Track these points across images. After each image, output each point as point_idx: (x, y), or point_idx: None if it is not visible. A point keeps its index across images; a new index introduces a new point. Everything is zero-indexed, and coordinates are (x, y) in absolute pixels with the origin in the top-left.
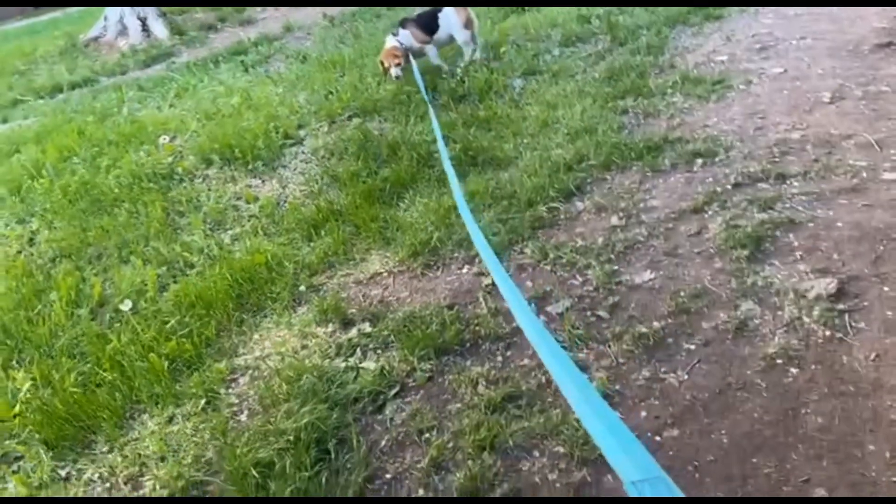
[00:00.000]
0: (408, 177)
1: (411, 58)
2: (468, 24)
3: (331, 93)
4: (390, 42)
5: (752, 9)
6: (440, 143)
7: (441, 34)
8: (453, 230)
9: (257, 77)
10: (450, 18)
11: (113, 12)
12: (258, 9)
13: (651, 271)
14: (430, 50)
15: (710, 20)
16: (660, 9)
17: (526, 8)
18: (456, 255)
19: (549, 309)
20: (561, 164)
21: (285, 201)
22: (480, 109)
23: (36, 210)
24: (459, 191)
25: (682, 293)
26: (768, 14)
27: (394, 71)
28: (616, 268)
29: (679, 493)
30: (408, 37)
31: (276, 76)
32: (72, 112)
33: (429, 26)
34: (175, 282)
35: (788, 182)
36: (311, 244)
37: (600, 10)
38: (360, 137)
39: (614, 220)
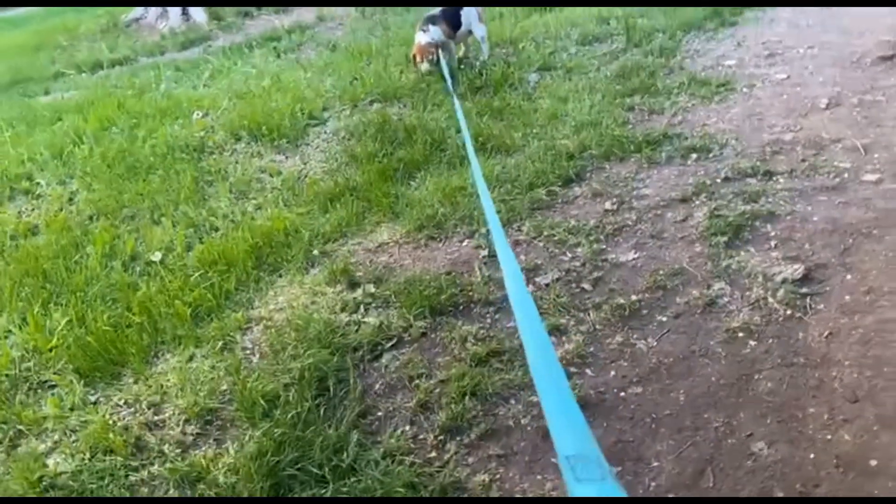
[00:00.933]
0: (421, 158)
1: (440, 53)
2: (482, 19)
3: (356, 79)
4: (423, 38)
5: (766, 17)
6: (465, 132)
7: (463, 29)
8: (458, 207)
9: (288, 62)
10: (470, 15)
11: None
12: None
13: (635, 251)
14: (451, 45)
15: (724, 26)
16: (678, 12)
17: (549, 8)
18: (458, 229)
19: (537, 279)
20: (564, 153)
21: (306, 176)
22: (495, 100)
23: (76, 173)
24: (479, 171)
25: (661, 272)
26: (781, 23)
27: (425, 65)
28: (603, 247)
29: (611, 473)
30: (438, 32)
31: (306, 62)
32: (112, 87)
33: (453, 22)
34: (201, 242)
35: (775, 179)
36: (327, 215)
37: (619, 12)
38: (379, 121)
39: (607, 205)
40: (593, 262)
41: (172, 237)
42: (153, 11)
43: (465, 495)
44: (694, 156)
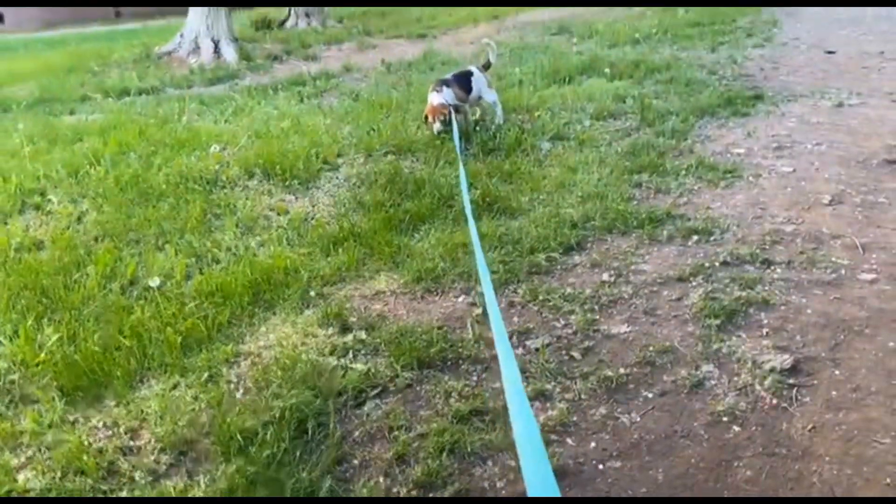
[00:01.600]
0: (427, 212)
1: (453, 114)
2: (491, 86)
3: (373, 129)
4: (437, 98)
5: (778, 111)
6: (464, 191)
7: (473, 95)
8: (457, 263)
9: (310, 107)
10: (479, 81)
11: (189, 31)
12: (322, 46)
13: (628, 325)
14: (465, 108)
15: (736, 115)
16: (693, 98)
17: (568, 81)
18: (456, 285)
19: (528, 343)
20: (567, 221)
21: (312, 218)
22: (506, 163)
23: (88, 193)
24: (475, 229)
25: (651, 348)
26: (792, 118)
27: (437, 126)
28: (597, 317)
29: None
30: (451, 95)
31: (327, 109)
32: (135, 114)
33: (465, 86)
34: (201, 272)
35: (772, 268)
36: (328, 258)
37: (636, 92)
38: (391, 172)
39: (605, 277)
40: (585, 332)
41: (173, 264)
42: (186, 46)
43: None
44: (695, 237)
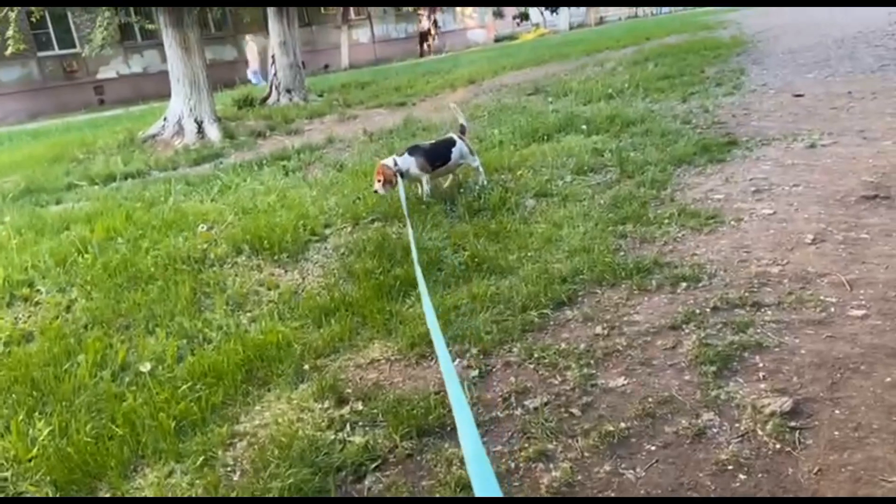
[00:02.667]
0: (416, 277)
1: (400, 179)
2: (473, 152)
3: (358, 198)
4: (388, 161)
5: (753, 155)
6: (414, 256)
7: (452, 163)
8: (451, 326)
9: (295, 180)
10: (461, 147)
11: (173, 114)
12: (305, 120)
13: (625, 377)
14: (425, 178)
15: (713, 162)
16: (669, 148)
17: (546, 139)
18: (450, 348)
19: (526, 402)
20: (557, 277)
21: (303, 290)
22: (492, 223)
23: (77, 281)
24: (427, 299)
25: (650, 399)
26: (767, 161)
27: (376, 185)
28: (593, 372)
29: None
30: (410, 162)
31: (312, 181)
32: (122, 199)
33: (439, 156)
34: (192, 353)
35: (762, 310)
36: (321, 329)
37: (613, 145)
38: (378, 239)
39: (598, 330)
40: (583, 387)
41: (165, 347)
42: (170, 128)
43: None
44: (683, 284)
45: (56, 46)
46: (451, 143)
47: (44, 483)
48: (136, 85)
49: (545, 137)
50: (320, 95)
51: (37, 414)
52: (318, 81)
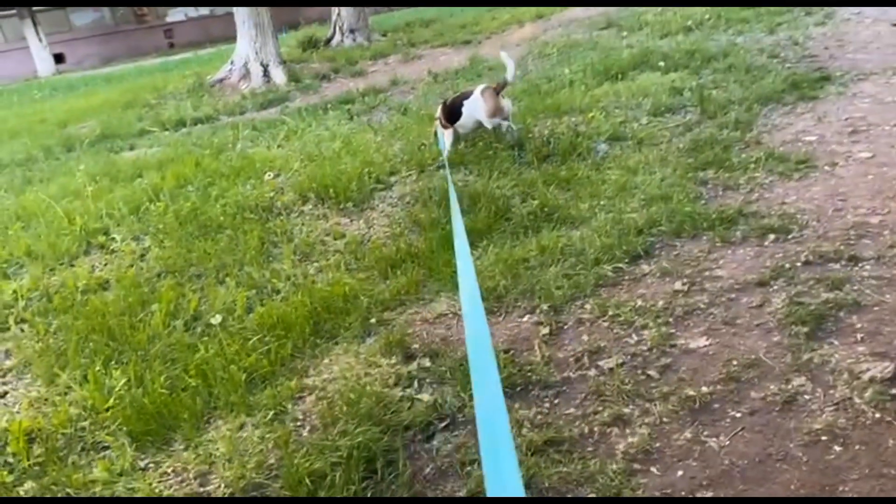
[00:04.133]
0: (484, 227)
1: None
2: (496, 113)
3: (424, 144)
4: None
5: (849, 91)
6: (454, 203)
7: (465, 120)
8: (519, 280)
9: (360, 125)
10: (477, 105)
11: (239, 58)
12: (369, 62)
13: (707, 338)
14: (447, 133)
15: (804, 100)
16: (755, 85)
17: (620, 77)
18: (519, 303)
19: (600, 363)
20: (632, 228)
21: (368, 240)
22: (562, 170)
23: (150, 229)
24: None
25: (734, 362)
26: (864, 98)
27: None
28: (672, 331)
29: None
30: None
31: (377, 126)
32: (192, 145)
33: (455, 112)
34: (262, 304)
35: (860, 265)
36: (387, 282)
37: (693, 83)
38: (444, 187)
39: (677, 286)
40: (661, 348)
41: (234, 298)
42: (236, 72)
43: None
44: (771, 236)
45: None
46: (466, 97)
47: (120, 434)
48: (205, 27)
49: (619, 76)
50: (384, 35)
51: (113, 363)
52: (382, 20)
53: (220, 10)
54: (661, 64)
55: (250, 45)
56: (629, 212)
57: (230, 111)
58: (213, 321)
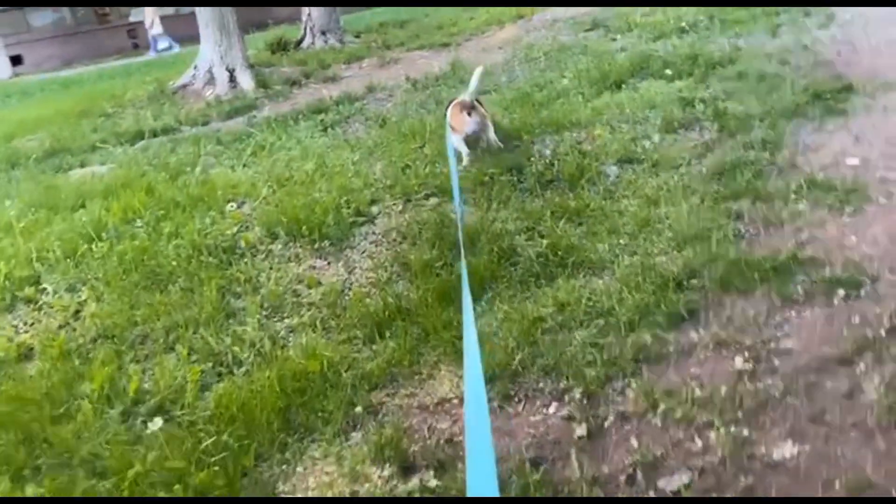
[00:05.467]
0: (487, 273)
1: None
2: (458, 130)
3: (408, 166)
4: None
5: (877, 104)
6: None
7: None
8: (538, 351)
9: (335, 139)
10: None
11: (203, 62)
12: (342, 65)
13: (794, 443)
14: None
15: (831, 114)
16: (771, 96)
17: (619, 86)
18: (541, 385)
19: (661, 483)
20: (668, 279)
21: (349, 289)
22: (571, 198)
23: (88, 277)
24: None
25: (836, 483)
26: None
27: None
28: (746, 432)
29: None
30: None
31: (354, 141)
32: (147, 164)
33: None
34: (220, 379)
35: None
36: (374, 347)
37: (705, 94)
38: (436, 221)
39: (739, 363)
40: (737, 459)
41: (186, 374)
42: (200, 78)
43: None
44: (840, 292)
45: None
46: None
47: None
48: (169, 27)
49: (618, 84)
50: (357, 37)
51: (25, 473)
52: (354, 20)
53: (185, 10)
54: (669, 72)
55: (215, 49)
56: (657, 254)
57: (193, 121)
58: (152, 425)
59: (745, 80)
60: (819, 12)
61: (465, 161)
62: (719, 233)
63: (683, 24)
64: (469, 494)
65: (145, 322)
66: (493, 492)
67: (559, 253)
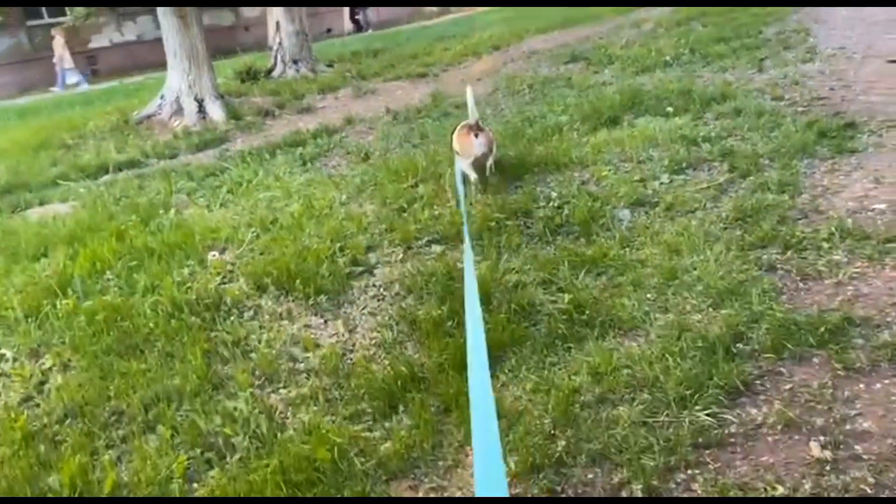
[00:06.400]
0: (506, 335)
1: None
2: (467, 154)
3: (403, 208)
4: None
5: (886, 142)
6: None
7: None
8: (581, 431)
9: (317, 174)
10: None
11: (170, 91)
12: (317, 95)
13: None
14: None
15: (841, 153)
16: (774, 134)
17: (613, 122)
18: (591, 475)
19: None
20: (713, 343)
21: (352, 353)
22: (584, 245)
23: (53, 341)
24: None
25: None
26: None
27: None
28: None
29: None
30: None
31: (338, 177)
32: (113, 204)
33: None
34: (210, 467)
35: None
36: (386, 424)
37: (706, 132)
38: (443, 272)
39: (815, 450)
40: None
41: (170, 463)
42: (167, 108)
43: None
44: None
45: (45, 15)
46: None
47: None
48: (131, 53)
49: (613, 120)
50: (329, 65)
51: None
52: (325, 48)
53: (148, 36)
54: (670, 109)
55: (183, 78)
56: (691, 311)
57: (160, 153)
58: None
59: (744, 116)
60: (799, 45)
61: (473, 183)
62: (756, 287)
63: (667, 57)
64: (478, 494)
65: (120, 396)
66: (501, 491)
67: (584, 310)
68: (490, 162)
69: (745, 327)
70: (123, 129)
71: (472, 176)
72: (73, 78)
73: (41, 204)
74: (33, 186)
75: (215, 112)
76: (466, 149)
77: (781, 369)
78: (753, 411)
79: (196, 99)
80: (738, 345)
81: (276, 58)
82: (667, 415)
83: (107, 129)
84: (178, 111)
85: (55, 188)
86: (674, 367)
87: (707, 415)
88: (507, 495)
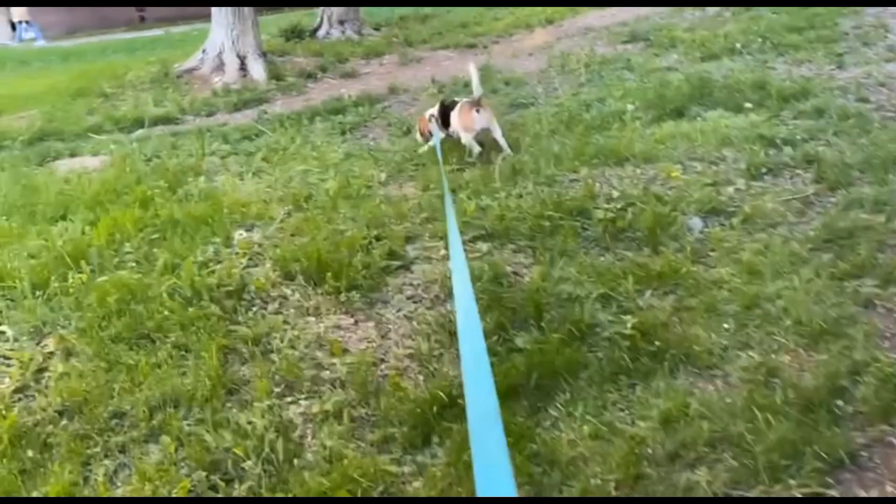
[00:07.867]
0: (560, 360)
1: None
2: (468, 129)
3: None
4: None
5: None
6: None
7: (452, 129)
8: (649, 487)
9: (356, 148)
10: (454, 118)
11: (212, 46)
12: (361, 60)
13: None
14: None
15: None
16: (869, 144)
17: (680, 113)
18: None
19: None
20: (810, 398)
21: (383, 362)
22: (650, 256)
23: (59, 321)
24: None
25: None
26: None
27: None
28: None
29: None
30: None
31: (378, 153)
32: (143, 163)
33: (445, 119)
34: (215, 493)
35: None
36: (419, 458)
37: (786, 133)
38: (489, 277)
39: None
40: None
41: (171, 487)
42: (209, 63)
43: None
44: None
45: None
46: (453, 107)
47: None
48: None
49: (678, 111)
50: (376, 29)
51: None
52: (373, 11)
53: None
54: (749, 105)
55: (227, 33)
56: (780, 352)
57: (197, 110)
58: None
59: (827, 117)
60: (879, 41)
61: (475, 156)
62: (854, 328)
63: (736, 44)
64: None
65: (123, 393)
66: (509, 491)
67: (651, 338)
68: (498, 136)
69: (843, 375)
70: (163, 82)
71: (476, 149)
72: (29, 34)
73: (72, 155)
74: (66, 136)
75: (257, 71)
76: (468, 124)
77: (892, 439)
78: (857, 490)
79: (238, 55)
80: (837, 401)
81: (322, 17)
82: (752, 480)
83: (147, 80)
84: (220, 67)
85: (88, 140)
86: (764, 431)
87: (804, 491)
88: (516, 495)
